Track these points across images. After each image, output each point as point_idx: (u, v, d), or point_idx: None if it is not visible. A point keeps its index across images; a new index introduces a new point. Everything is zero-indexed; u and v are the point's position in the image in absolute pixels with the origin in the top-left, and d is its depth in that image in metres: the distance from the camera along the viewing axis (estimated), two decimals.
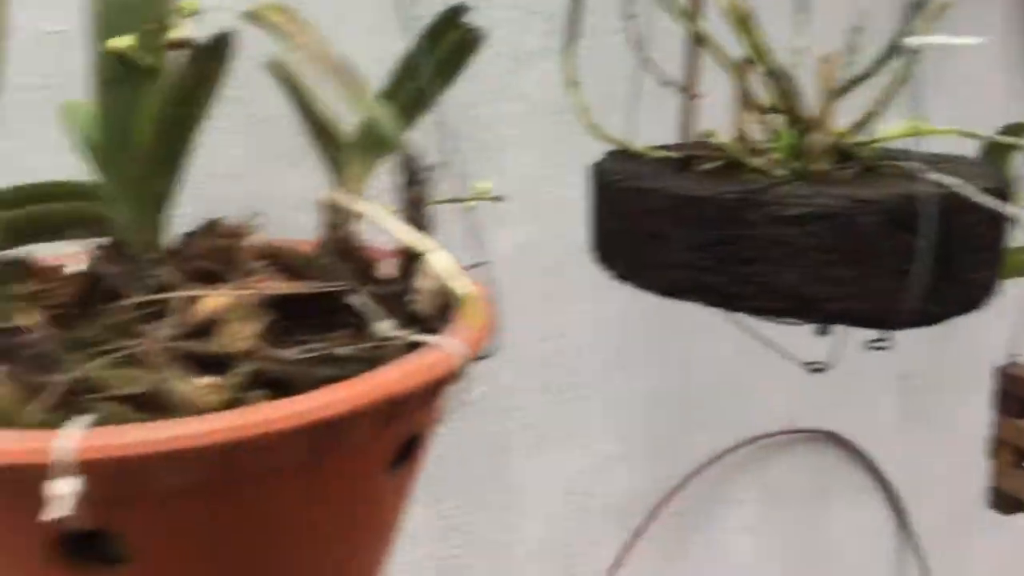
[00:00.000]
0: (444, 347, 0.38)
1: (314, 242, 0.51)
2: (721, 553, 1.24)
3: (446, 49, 0.52)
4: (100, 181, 0.43)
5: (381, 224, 0.41)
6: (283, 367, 0.36)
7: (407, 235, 0.40)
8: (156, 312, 0.42)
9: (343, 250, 0.49)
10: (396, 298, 0.42)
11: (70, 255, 0.49)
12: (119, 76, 0.40)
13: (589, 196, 0.63)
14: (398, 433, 0.39)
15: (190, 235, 0.48)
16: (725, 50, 0.57)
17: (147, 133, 0.41)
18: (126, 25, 0.40)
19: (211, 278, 0.46)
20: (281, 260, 0.49)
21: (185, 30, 0.40)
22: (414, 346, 0.40)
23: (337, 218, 0.51)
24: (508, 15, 0.98)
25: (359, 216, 0.44)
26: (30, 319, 0.38)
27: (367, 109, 0.40)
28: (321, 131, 0.54)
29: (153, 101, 0.41)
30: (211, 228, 0.49)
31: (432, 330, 0.41)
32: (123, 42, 0.40)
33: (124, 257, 0.42)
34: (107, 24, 0.41)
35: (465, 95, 0.99)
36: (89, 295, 0.43)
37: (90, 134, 0.43)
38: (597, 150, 0.67)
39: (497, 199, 0.54)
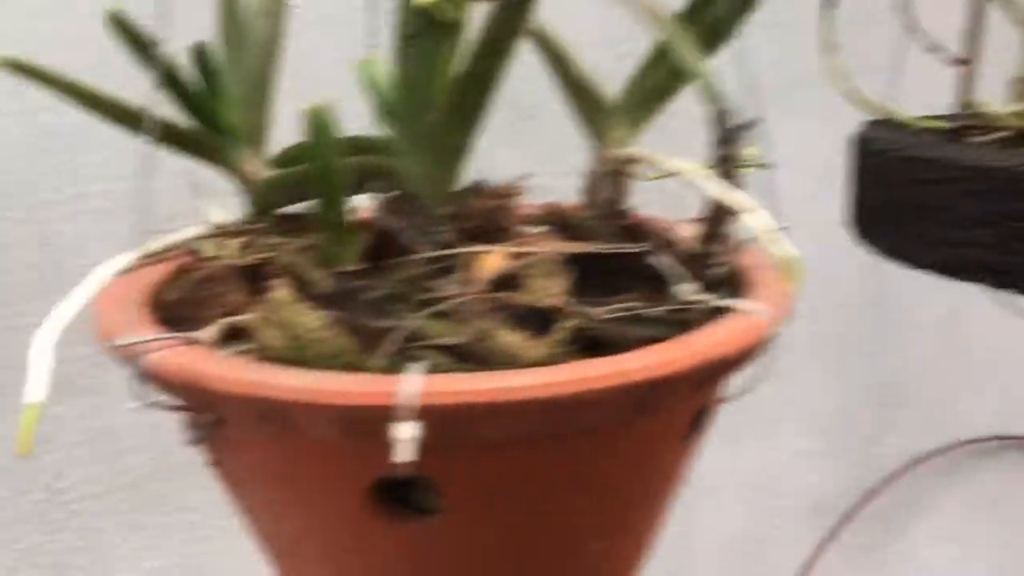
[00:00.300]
0: (754, 313, 0.36)
1: (579, 206, 0.50)
2: (919, 563, 1.18)
3: None
4: (394, 136, 0.43)
5: (695, 181, 0.39)
6: (598, 325, 0.35)
7: (724, 194, 0.38)
8: (444, 268, 0.41)
9: (614, 214, 0.47)
10: (693, 260, 0.40)
11: None
12: (421, 31, 0.40)
13: (850, 168, 0.60)
14: (698, 402, 0.37)
15: (460, 196, 0.48)
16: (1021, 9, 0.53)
17: (446, 87, 0.41)
18: None
19: (486, 238, 0.46)
20: (553, 221, 0.48)
21: None
22: (715, 312, 0.38)
23: (607, 182, 0.49)
24: None
25: (669, 175, 0.42)
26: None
27: (683, 49, 0.39)
28: (582, 94, 0.53)
29: (453, 55, 0.41)
30: (479, 189, 0.49)
31: (733, 295, 0.39)
32: None
33: (414, 212, 0.42)
34: None
35: None
36: (376, 249, 0.43)
37: (387, 89, 0.43)
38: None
39: (767, 166, 0.51)
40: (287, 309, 0.33)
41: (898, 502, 1.14)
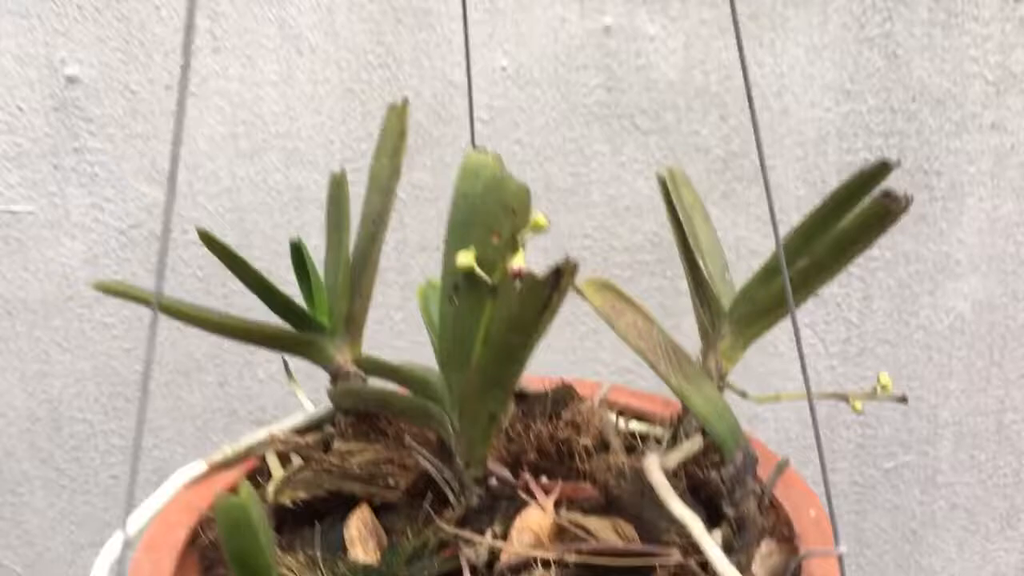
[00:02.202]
0: None
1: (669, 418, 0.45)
2: None
3: (855, 219, 0.42)
4: (439, 382, 0.41)
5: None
6: None
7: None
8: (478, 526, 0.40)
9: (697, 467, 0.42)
10: None
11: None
12: (463, 288, 0.38)
13: None
14: None
15: (532, 405, 0.45)
16: None
17: (482, 348, 0.38)
18: (475, 237, 0.37)
19: (551, 469, 0.43)
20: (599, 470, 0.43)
21: (521, 260, 0.36)
22: None
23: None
24: (987, 30, 0.82)
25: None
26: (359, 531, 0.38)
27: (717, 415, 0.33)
28: (702, 289, 0.47)
29: (490, 318, 0.38)
30: (559, 399, 0.46)
31: None
32: (468, 258, 0.37)
33: (451, 461, 0.41)
34: (458, 233, 0.38)
35: (933, 121, 0.85)
36: (420, 487, 0.42)
37: (436, 330, 0.41)
38: None
39: (903, 399, 0.43)
40: None
41: None
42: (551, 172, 0.91)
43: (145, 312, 0.92)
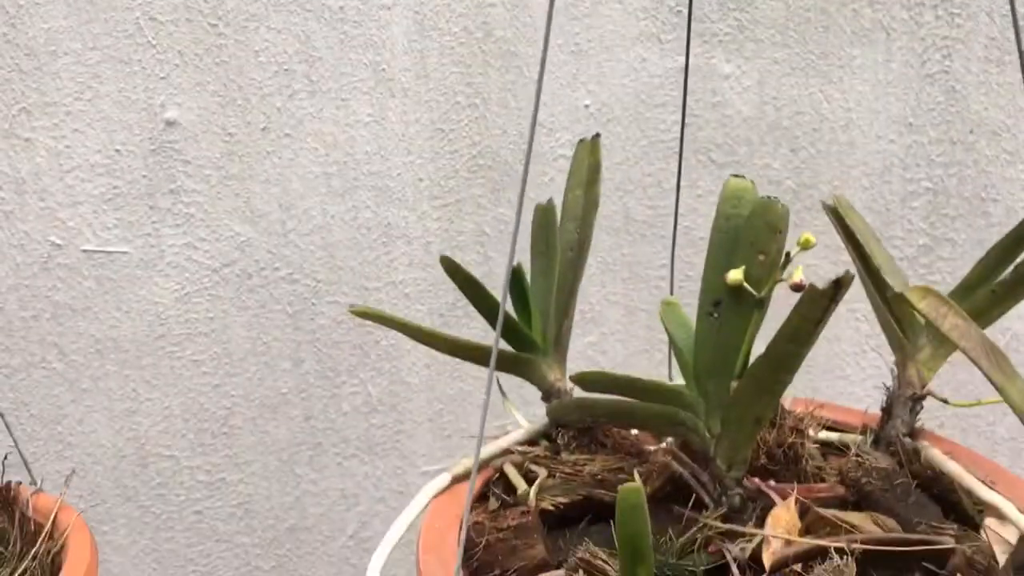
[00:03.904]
0: None
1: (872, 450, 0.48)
2: None
3: None
4: (691, 389, 0.44)
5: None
6: None
7: None
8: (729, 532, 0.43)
9: (910, 461, 0.46)
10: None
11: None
12: (728, 302, 0.41)
13: None
14: None
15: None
16: None
17: (746, 359, 0.42)
18: (741, 255, 0.41)
19: (779, 475, 0.47)
20: (845, 469, 0.47)
21: (800, 274, 0.40)
22: None
23: (906, 410, 0.48)
24: None
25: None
26: None
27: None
28: (891, 306, 0.51)
29: (755, 329, 0.41)
30: (780, 415, 0.49)
31: None
32: (738, 275, 0.40)
33: (708, 466, 0.44)
34: (722, 252, 0.42)
35: (990, 151, 0.91)
36: (666, 492, 0.45)
37: (685, 340, 0.45)
38: None
39: None
40: None
41: None
42: (630, 205, 0.95)
43: (235, 348, 0.94)
